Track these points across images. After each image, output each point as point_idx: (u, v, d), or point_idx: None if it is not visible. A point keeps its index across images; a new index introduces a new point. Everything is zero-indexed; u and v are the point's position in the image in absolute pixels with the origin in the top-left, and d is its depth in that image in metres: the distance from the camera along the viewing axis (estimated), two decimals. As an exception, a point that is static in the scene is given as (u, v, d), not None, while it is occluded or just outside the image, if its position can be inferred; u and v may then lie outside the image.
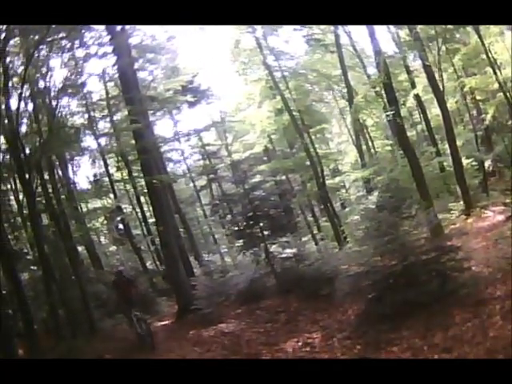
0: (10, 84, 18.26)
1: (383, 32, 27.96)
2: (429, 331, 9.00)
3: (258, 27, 30.90)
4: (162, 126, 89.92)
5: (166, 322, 20.74)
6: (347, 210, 33.57)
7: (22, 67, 18.50)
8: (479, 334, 7.99)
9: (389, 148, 35.52)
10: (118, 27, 20.10)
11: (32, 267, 21.09)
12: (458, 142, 25.99)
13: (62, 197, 25.72)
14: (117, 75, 24.74)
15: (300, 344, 11.85)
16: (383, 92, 22.00)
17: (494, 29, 26.36)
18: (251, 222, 19.51)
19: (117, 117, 29.93)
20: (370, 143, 37.49)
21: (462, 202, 23.27)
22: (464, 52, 28.00)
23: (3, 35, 16.76)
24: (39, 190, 20.22)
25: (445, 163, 27.98)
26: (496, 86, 26.91)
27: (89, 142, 41.43)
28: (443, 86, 25.38)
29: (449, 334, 8.53)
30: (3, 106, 17.87)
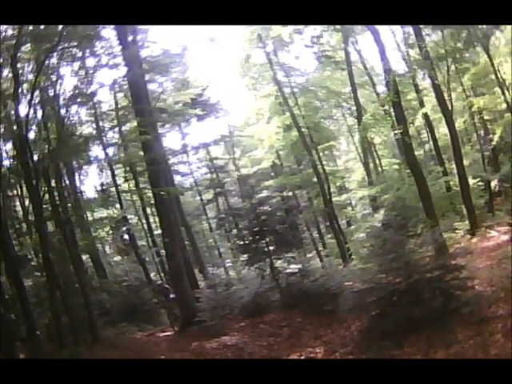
0: (20, 90, 18.36)
1: (393, 50, 28.07)
2: (431, 348, 9.01)
3: (269, 42, 31.09)
4: (171, 139, 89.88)
5: (169, 333, 20.72)
6: (353, 227, 33.58)
7: (33, 74, 18.64)
8: (481, 352, 8.00)
9: (396, 166, 35.50)
10: (130, 38, 20.29)
11: (36, 273, 21.10)
12: (465, 162, 26.00)
13: (69, 205, 25.75)
14: (127, 86, 24.87)
15: (302, 358, 11.85)
16: (392, 110, 22.04)
17: (504, 49, 26.47)
18: (257, 237, 19.48)
19: (125, 127, 29.99)
20: (378, 161, 37.48)
21: (467, 222, 23.23)
22: (473, 72, 28.08)
23: (14, 41, 16.91)
24: (46, 197, 20.26)
25: (451, 183, 27.95)
26: (504, 106, 27.04)
27: (97, 151, 41.73)
28: (452, 106, 25.40)
29: (451, 351, 8.53)
30: (12, 112, 18.01)
